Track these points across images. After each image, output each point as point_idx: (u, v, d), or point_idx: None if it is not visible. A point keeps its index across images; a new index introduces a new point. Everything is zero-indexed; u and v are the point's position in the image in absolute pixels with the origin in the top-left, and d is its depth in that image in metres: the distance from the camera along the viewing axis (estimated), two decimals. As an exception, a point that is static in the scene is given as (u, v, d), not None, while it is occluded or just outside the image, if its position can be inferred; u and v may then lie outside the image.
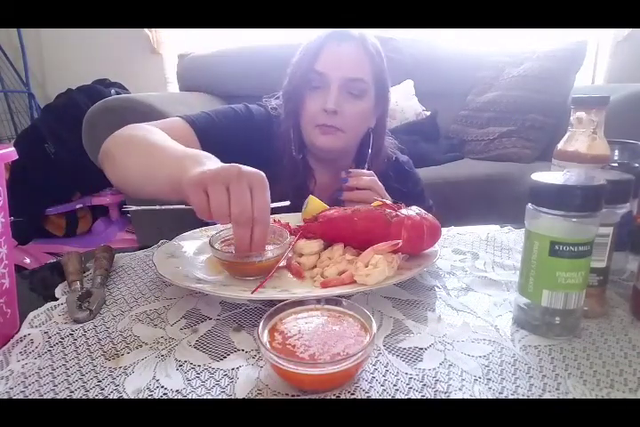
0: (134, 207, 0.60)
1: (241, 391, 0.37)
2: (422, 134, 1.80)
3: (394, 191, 0.82)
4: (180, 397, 0.36)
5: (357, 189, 0.78)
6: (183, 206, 0.52)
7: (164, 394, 0.37)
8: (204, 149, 0.62)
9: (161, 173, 0.55)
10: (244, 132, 0.82)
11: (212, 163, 0.51)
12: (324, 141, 0.82)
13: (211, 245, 0.53)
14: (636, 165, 0.57)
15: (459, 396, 0.36)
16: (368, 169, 0.85)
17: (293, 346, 0.37)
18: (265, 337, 0.38)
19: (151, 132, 0.67)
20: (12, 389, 0.38)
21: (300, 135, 0.85)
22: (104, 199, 1.97)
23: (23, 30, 2.41)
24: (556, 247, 0.41)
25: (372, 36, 0.85)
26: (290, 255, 0.57)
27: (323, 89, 0.80)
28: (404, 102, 1.90)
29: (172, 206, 0.56)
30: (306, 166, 0.87)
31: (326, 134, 0.81)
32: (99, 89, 1.99)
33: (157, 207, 0.58)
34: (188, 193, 0.48)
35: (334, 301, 0.43)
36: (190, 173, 0.48)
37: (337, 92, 0.79)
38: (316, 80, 0.80)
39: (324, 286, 0.50)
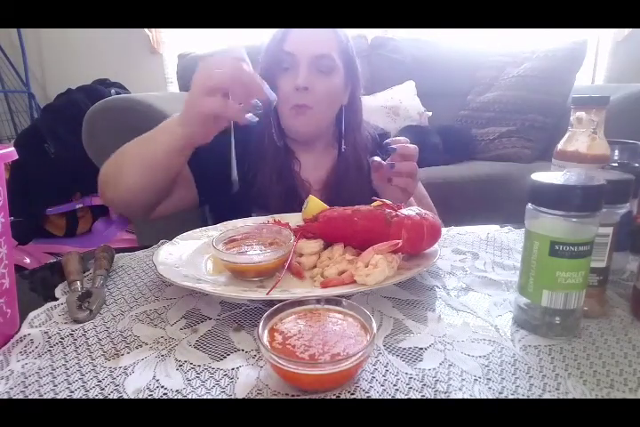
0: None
1: (241, 391, 0.37)
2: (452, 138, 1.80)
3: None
4: (180, 397, 0.36)
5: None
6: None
7: (164, 394, 0.37)
8: None
9: (159, 138, 0.65)
10: None
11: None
12: (298, 123, 0.84)
13: (214, 246, 0.53)
14: (636, 165, 0.57)
15: (459, 396, 0.36)
16: (348, 147, 0.89)
17: (293, 346, 0.37)
18: (265, 337, 0.38)
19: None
20: (12, 389, 0.38)
21: (278, 119, 0.87)
22: (104, 199, 1.97)
23: (23, 30, 2.41)
24: (556, 247, 0.41)
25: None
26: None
27: (293, 69, 0.81)
28: (408, 102, 1.91)
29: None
30: (287, 149, 0.89)
31: (300, 115, 0.83)
32: (99, 89, 1.99)
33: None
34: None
35: (334, 301, 0.43)
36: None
37: (307, 69, 0.80)
38: (286, 61, 0.82)
39: (324, 285, 0.50)
